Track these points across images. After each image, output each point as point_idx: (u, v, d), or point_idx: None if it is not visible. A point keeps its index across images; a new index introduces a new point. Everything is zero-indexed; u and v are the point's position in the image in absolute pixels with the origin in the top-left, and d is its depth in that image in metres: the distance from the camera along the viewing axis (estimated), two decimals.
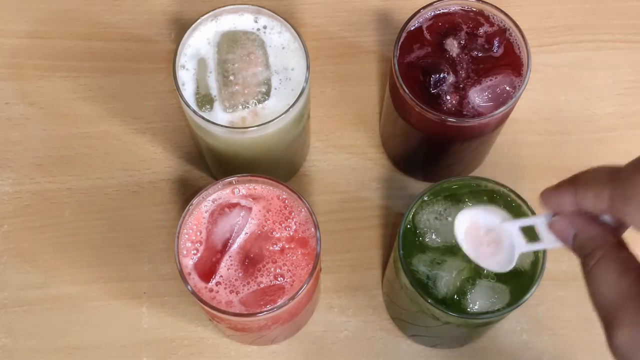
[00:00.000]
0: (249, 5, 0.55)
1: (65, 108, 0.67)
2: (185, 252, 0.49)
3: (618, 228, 0.39)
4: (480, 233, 0.45)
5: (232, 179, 0.50)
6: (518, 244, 0.43)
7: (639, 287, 0.36)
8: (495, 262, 0.45)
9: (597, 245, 0.38)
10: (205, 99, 0.54)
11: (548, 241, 0.41)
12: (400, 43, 0.55)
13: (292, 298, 0.47)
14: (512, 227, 0.43)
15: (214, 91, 0.54)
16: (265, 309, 0.47)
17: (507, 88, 0.54)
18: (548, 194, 0.40)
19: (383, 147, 0.66)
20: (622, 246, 0.38)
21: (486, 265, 0.45)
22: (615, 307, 0.36)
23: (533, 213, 0.49)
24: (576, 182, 0.39)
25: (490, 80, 0.55)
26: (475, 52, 0.55)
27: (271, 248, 0.49)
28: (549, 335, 0.61)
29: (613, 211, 0.37)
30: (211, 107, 0.54)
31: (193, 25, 0.55)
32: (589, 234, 0.39)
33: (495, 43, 0.55)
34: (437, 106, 0.54)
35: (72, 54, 0.68)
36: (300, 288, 0.48)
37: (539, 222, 0.41)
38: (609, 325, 0.35)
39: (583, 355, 0.61)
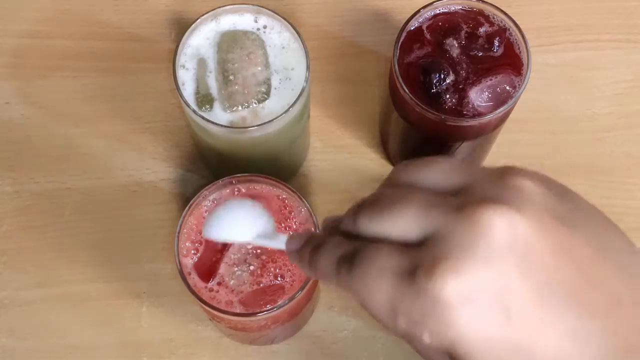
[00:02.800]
0: (249, 5, 0.55)
1: (66, 108, 0.67)
2: (185, 252, 0.49)
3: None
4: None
5: (232, 178, 0.50)
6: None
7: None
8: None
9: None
10: (205, 99, 0.54)
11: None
12: (400, 43, 0.55)
13: (292, 298, 0.47)
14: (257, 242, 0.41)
15: (213, 91, 0.54)
16: (265, 309, 0.47)
17: (507, 88, 0.55)
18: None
19: (383, 147, 0.66)
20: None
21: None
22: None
23: None
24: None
25: (490, 80, 0.55)
26: (475, 52, 0.55)
27: (272, 248, 0.49)
28: None
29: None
30: (211, 107, 0.54)
31: (193, 25, 0.55)
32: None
33: (496, 43, 0.55)
34: (437, 106, 0.54)
35: (73, 54, 0.68)
36: (300, 288, 0.48)
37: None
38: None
39: None
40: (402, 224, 0.34)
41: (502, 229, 0.32)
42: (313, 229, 0.49)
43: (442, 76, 0.54)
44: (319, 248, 0.37)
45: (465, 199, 0.33)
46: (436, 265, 0.32)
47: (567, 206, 0.35)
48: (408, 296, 0.33)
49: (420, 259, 0.33)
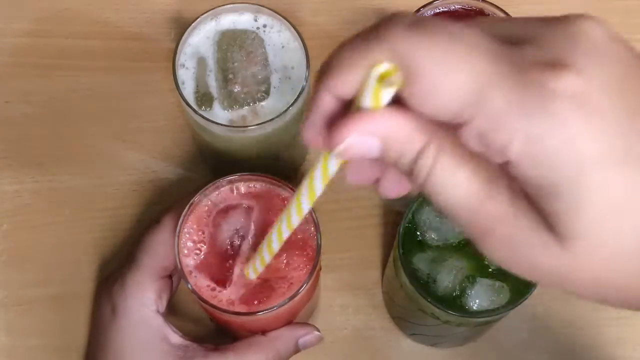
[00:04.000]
0: (248, 4, 0.55)
1: (65, 107, 0.67)
2: (185, 251, 0.49)
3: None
4: None
5: (232, 177, 0.50)
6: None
7: (496, 182, 0.28)
8: None
9: (422, 144, 0.28)
10: (204, 98, 0.54)
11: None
12: None
13: (292, 297, 0.47)
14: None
15: (213, 90, 0.54)
16: (265, 308, 0.47)
17: None
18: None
19: None
20: (450, 131, 0.28)
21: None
22: (482, 218, 0.28)
23: None
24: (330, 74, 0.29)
25: None
26: None
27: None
28: (549, 334, 0.61)
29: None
30: (211, 106, 0.54)
31: (193, 24, 0.55)
32: (404, 133, 0.28)
33: None
34: None
35: (72, 53, 0.68)
36: (301, 287, 0.47)
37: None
38: (483, 234, 0.29)
39: (583, 355, 0.61)
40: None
41: (604, 36, 0.28)
42: (313, 229, 0.49)
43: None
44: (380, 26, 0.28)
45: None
46: (551, 58, 0.26)
47: None
48: (510, 83, 0.26)
49: (525, 52, 0.27)
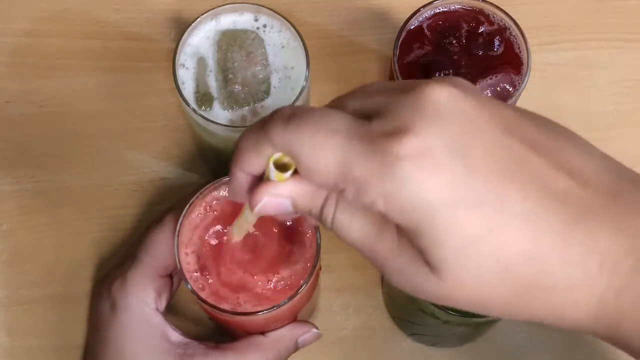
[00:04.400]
0: (248, 4, 0.55)
1: (65, 107, 0.67)
2: (185, 251, 0.49)
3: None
4: None
5: None
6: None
7: (385, 225, 0.35)
8: None
9: (323, 198, 0.35)
10: (204, 98, 0.54)
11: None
12: (400, 42, 0.55)
13: (292, 297, 0.47)
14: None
15: (213, 90, 0.54)
16: (265, 308, 0.47)
17: (507, 87, 0.55)
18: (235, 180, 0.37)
19: None
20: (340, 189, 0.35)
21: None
22: (376, 253, 0.35)
23: None
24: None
25: (490, 79, 0.55)
26: (476, 51, 0.55)
27: (271, 246, 0.49)
28: (549, 334, 0.61)
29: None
30: (211, 106, 0.54)
31: (193, 24, 0.55)
32: (307, 193, 0.35)
33: (496, 42, 0.55)
34: None
35: (72, 53, 0.68)
36: (300, 287, 0.47)
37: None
38: (381, 266, 0.35)
39: (583, 355, 0.61)
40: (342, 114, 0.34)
41: (447, 98, 0.32)
42: (313, 228, 0.49)
43: (442, 75, 0.54)
44: (266, 121, 0.35)
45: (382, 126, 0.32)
46: (393, 127, 0.32)
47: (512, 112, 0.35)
48: (363, 156, 0.32)
49: (373, 126, 0.32)
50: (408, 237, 0.33)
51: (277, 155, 0.35)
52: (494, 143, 0.32)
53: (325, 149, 0.32)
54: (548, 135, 0.34)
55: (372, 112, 0.33)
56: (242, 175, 0.37)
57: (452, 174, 0.31)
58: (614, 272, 0.32)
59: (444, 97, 0.32)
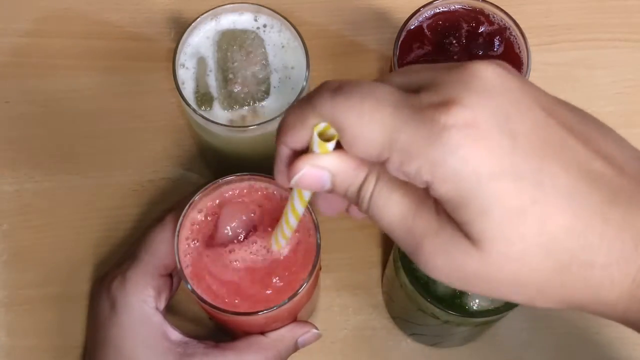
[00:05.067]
0: (248, 4, 0.55)
1: (65, 107, 0.67)
2: (185, 251, 0.49)
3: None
4: None
5: (232, 177, 0.50)
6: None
7: (423, 203, 0.35)
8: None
9: (364, 175, 0.35)
10: (204, 98, 0.54)
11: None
12: (400, 42, 0.55)
13: (292, 297, 0.47)
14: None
15: (213, 90, 0.54)
16: (265, 308, 0.47)
17: None
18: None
19: None
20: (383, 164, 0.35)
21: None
22: (413, 233, 0.34)
23: None
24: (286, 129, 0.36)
25: None
26: (476, 51, 0.55)
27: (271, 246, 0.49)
28: (549, 334, 0.61)
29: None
30: (211, 106, 0.54)
31: (193, 24, 0.55)
32: (348, 169, 0.35)
33: (496, 42, 0.55)
34: None
35: (72, 53, 0.68)
36: (300, 287, 0.47)
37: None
38: (417, 248, 0.34)
39: (583, 355, 0.61)
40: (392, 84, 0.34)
41: (494, 75, 0.33)
42: (313, 228, 0.49)
43: None
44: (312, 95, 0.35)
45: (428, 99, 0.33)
46: (441, 99, 0.32)
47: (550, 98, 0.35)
48: (410, 124, 0.32)
49: (421, 98, 0.33)
50: (450, 209, 0.33)
51: (322, 126, 0.34)
52: (537, 122, 0.33)
53: (373, 117, 0.33)
54: (584, 122, 0.35)
55: (419, 86, 0.34)
56: (285, 150, 0.37)
57: (498, 146, 0.32)
58: None
59: (491, 73, 0.33)
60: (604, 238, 0.33)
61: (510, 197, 0.32)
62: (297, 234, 0.49)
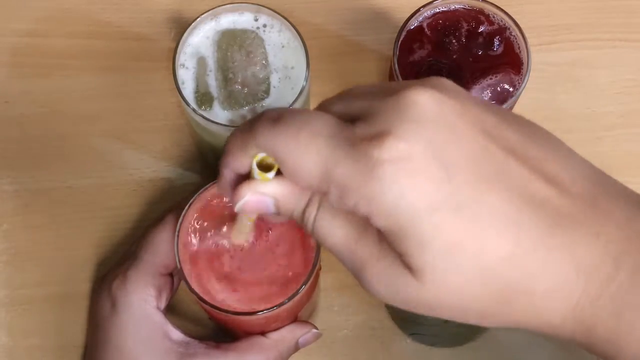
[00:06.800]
0: (248, 4, 0.55)
1: (65, 106, 0.67)
2: (185, 251, 0.49)
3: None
4: None
5: None
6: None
7: (366, 229, 0.35)
8: None
9: (306, 200, 0.36)
10: (204, 98, 0.54)
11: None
12: (400, 42, 0.55)
13: (292, 297, 0.47)
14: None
15: (213, 90, 0.54)
16: (265, 308, 0.47)
17: (507, 87, 0.55)
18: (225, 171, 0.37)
19: None
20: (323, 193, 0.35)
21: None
22: (355, 257, 0.35)
23: None
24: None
25: (490, 79, 0.55)
26: (476, 51, 0.55)
27: (271, 246, 0.49)
28: None
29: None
30: (211, 106, 0.54)
31: (193, 24, 0.55)
32: (290, 194, 0.36)
33: (496, 42, 0.55)
34: None
35: (72, 53, 0.68)
36: (300, 287, 0.47)
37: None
38: (359, 271, 0.35)
39: (583, 355, 0.60)
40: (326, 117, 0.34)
41: (428, 102, 0.33)
42: None
43: (442, 75, 0.54)
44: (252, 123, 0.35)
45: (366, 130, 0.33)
46: (375, 131, 0.32)
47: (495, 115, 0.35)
48: (345, 160, 0.32)
49: (356, 130, 0.33)
50: (389, 240, 0.33)
51: (261, 155, 0.35)
52: (474, 149, 0.33)
53: (308, 151, 0.33)
54: (529, 141, 0.35)
55: (355, 115, 0.34)
56: (229, 173, 0.37)
57: (434, 178, 0.32)
58: (589, 279, 0.33)
59: (425, 101, 0.33)
60: (545, 266, 0.33)
61: (447, 229, 0.32)
62: (297, 234, 0.49)
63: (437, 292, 0.33)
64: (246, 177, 0.37)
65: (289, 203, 0.36)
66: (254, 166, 0.35)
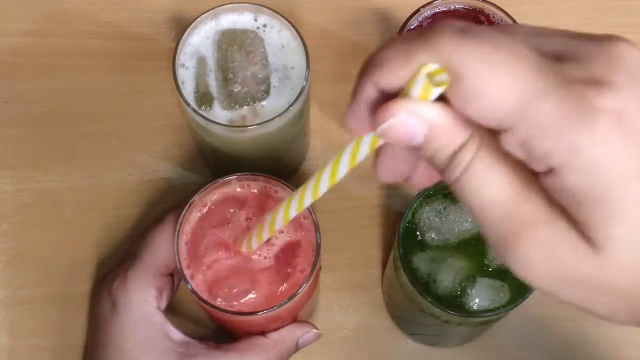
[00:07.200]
0: (248, 4, 0.55)
1: (65, 106, 0.67)
2: (185, 251, 0.49)
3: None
4: None
5: (232, 177, 0.50)
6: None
7: (530, 187, 0.29)
8: None
9: (464, 138, 0.29)
10: (204, 98, 0.54)
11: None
12: None
13: (292, 297, 0.47)
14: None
15: (213, 90, 0.54)
16: (265, 308, 0.47)
17: None
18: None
19: None
20: (494, 133, 0.28)
21: None
22: (512, 219, 0.29)
23: None
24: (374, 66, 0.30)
25: None
26: None
27: (271, 246, 0.49)
28: (549, 334, 0.61)
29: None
30: (211, 106, 0.54)
31: (193, 24, 0.55)
32: (449, 126, 0.29)
33: None
34: None
35: (72, 53, 0.68)
36: (300, 287, 0.47)
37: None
38: (514, 236, 0.29)
39: (584, 354, 0.61)
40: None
41: (636, 56, 0.28)
42: (313, 228, 0.49)
43: None
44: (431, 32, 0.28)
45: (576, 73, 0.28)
46: (590, 75, 0.27)
47: None
48: (556, 96, 0.27)
49: (566, 68, 0.28)
50: (571, 203, 0.28)
51: (432, 67, 0.28)
52: None
53: (509, 72, 0.27)
54: None
55: (554, 53, 0.29)
56: (372, 91, 0.30)
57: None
58: None
59: (637, 58, 0.28)
60: None
61: None
62: (297, 234, 0.49)
63: (618, 271, 0.28)
64: (390, 98, 0.29)
65: (442, 136, 0.29)
66: (422, 77, 0.28)
